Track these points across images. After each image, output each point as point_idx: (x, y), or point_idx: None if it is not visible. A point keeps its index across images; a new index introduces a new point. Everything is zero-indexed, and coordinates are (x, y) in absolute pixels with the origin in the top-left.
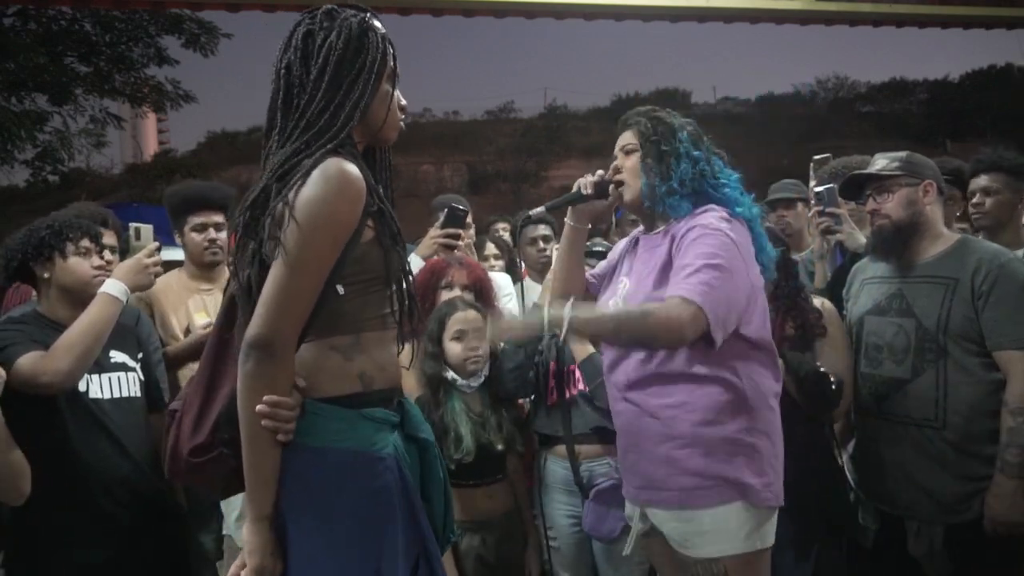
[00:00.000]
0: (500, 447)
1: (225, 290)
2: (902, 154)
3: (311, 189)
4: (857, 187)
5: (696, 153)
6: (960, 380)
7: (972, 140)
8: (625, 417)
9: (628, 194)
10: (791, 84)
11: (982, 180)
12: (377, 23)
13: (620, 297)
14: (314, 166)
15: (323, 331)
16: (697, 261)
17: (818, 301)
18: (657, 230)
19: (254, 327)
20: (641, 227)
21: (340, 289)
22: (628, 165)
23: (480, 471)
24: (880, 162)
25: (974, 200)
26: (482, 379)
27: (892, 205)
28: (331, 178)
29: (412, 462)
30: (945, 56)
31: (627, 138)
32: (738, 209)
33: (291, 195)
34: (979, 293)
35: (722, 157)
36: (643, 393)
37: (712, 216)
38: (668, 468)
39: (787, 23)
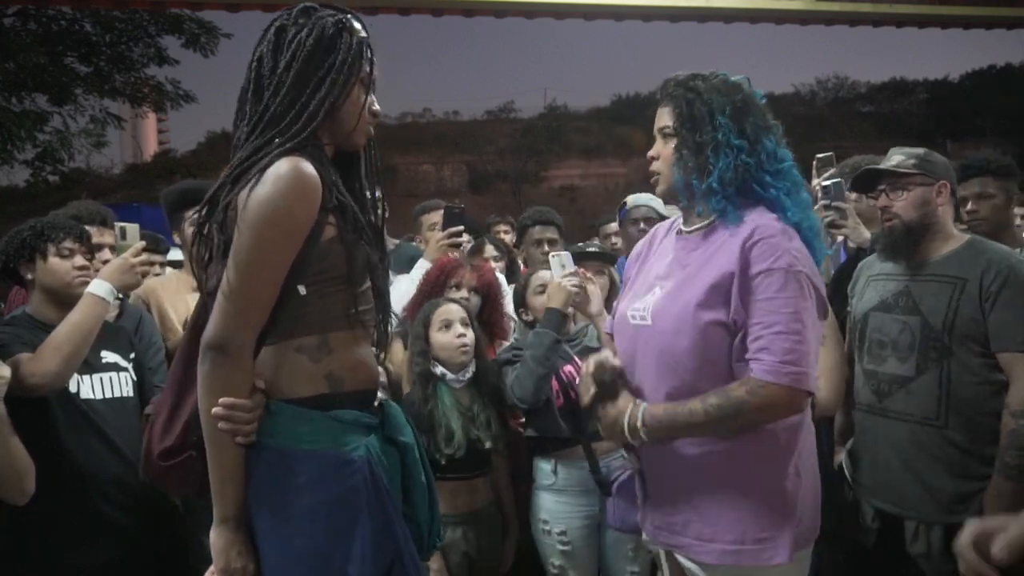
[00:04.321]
0: (488, 445)
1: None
2: (920, 151)
3: (262, 189)
4: (870, 180)
5: (738, 142)
6: (963, 380)
7: (972, 140)
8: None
9: (662, 184)
10: (791, 84)
11: (975, 186)
12: (357, 25)
13: (649, 308)
14: (268, 165)
15: (287, 333)
16: (779, 328)
17: None
18: (696, 226)
19: (208, 328)
20: (658, 227)
21: (302, 290)
22: (665, 153)
23: (467, 466)
24: (896, 157)
25: (969, 207)
26: (470, 374)
27: (904, 204)
28: (282, 177)
29: (392, 465)
30: (945, 56)
31: (664, 118)
32: (788, 215)
33: (242, 195)
34: (987, 294)
35: (774, 133)
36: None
37: (777, 241)
38: (695, 519)
39: (787, 23)
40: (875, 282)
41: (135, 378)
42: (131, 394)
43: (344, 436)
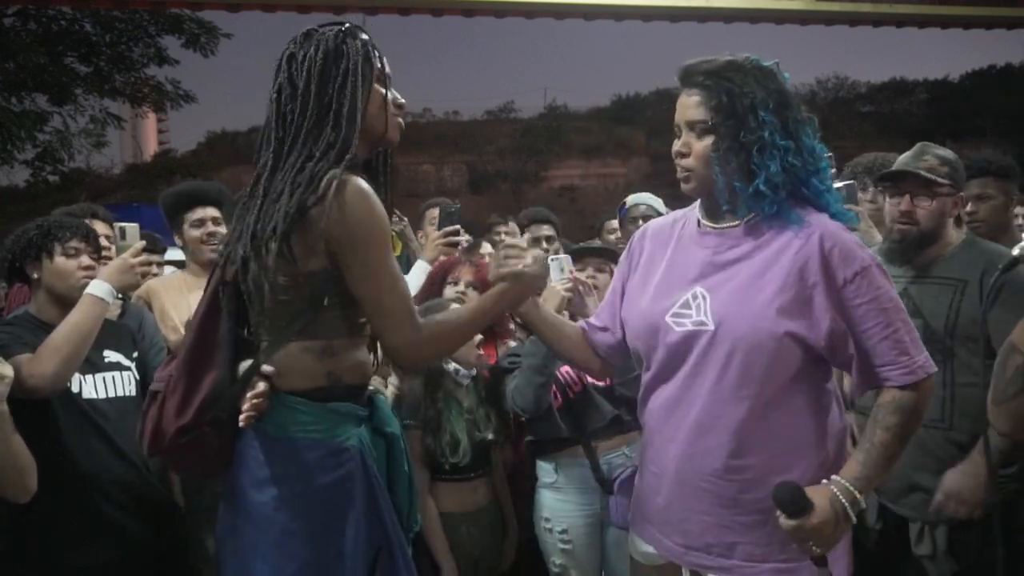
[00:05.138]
0: (490, 437)
1: (209, 280)
2: (951, 157)
3: (360, 205)
4: (891, 176)
5: (783, 142)
6: (967, 381)
7: (972, 140)
8: (678, 456)
9: (695, 183)
10: (791, 84)
11: (974, 187)
12: (361, 33)
13: (707, 312)
14: (336, 182)
15: (301, 336)
16: (897, 324)
17: None
18: (730, 222)
19: (393, 340)
20: (685, 213)
21: (326, 300)
22: (698, 149)
23: (469, 466)
24: (930, 159)
25: (968, 208)
26: (474, 371)
27: (927, 213)
28: (366, 195)
29: (379, 455)
30: (945, 56)
31: (695, 110)
32: (834, 214)
33: (333, 213)
34: (988, 294)
35: (811, 127)
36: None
37: (848, 239)
38: (744, 540)
39: (787, 23)
40: None
41: (138, 377)
42: (134, 393)
43: (339, 427)
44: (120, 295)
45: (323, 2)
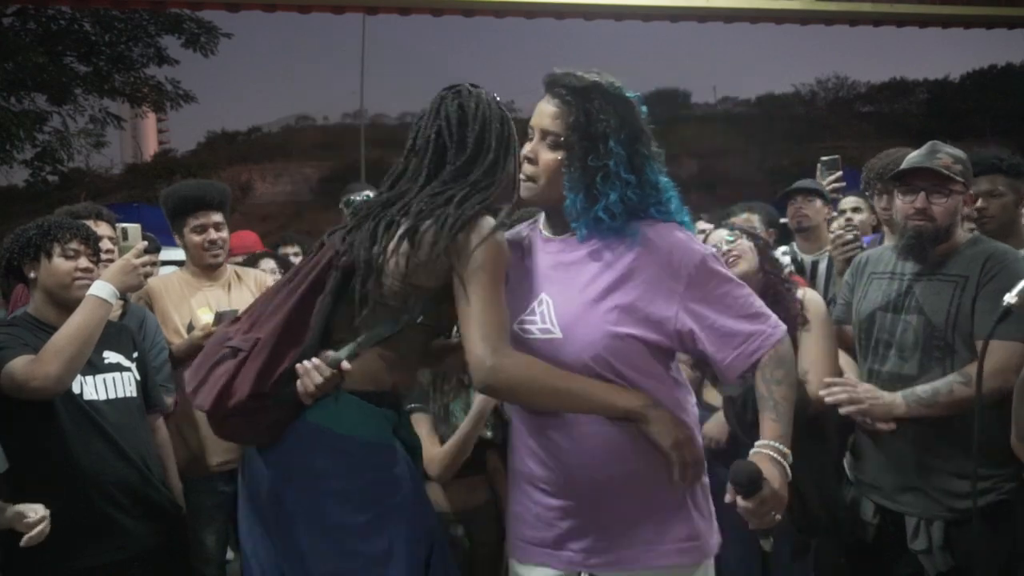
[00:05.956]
0: (489, 435)
1: (313, 257)
2: (963, 156)
3: (486, 241)
4: (906, 173)
5: (627, 175)
6: None
7: (972, 140)
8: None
9: (536, 196)
10: (791, 84)
11: (983, 184)
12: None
13: (553, 319)
14: (474, 216)
15: (384, 344)
16: (741, 302)
17: (800, 291)
18: (571, 232)
19: (481, 354)
20: (528, 227)
21: (419, 319)
22: (545, 160)
23: (468, 463)
24: (944, 157)
25: (978, 204)
26: None
27: (942, 210)
28: (499, 242)
29: None
30: (945, 56)
31: (550, 120)
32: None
33: (473, 236)
34: (980, 286)
35: (658, 162)
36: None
37: (683, 237)
38: (643, 519)
39: (787, 23)
40: (878, 280)
41: (138, 378)
42: (134, 394)
43: (388, 429)
44: (121, 295)
45: (323, 2)
